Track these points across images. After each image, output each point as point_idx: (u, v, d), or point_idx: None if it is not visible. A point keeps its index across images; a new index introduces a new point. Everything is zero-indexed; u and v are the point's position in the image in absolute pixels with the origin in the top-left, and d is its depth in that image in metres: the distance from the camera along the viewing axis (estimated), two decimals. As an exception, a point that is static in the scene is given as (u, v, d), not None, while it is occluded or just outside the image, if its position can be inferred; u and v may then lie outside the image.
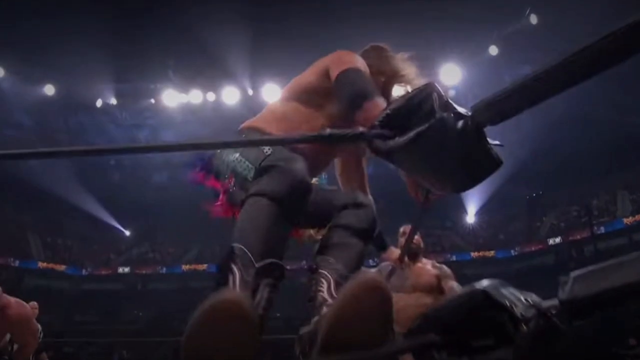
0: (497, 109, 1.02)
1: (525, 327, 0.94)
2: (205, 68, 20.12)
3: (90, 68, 19.34)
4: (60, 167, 22.43)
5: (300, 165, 1.36)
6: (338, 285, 1.28)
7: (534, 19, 18.09)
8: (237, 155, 1.50)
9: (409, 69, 1.81)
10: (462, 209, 23.85)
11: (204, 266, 23.78)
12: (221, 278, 1.17)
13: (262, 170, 1.38)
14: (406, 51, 1.85)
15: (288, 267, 1.29)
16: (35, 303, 5.55)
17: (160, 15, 18.10)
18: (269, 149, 1.44)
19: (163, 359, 13.37)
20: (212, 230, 17.68)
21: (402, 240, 3.35)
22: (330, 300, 1.24)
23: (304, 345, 1.19)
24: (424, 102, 1.18)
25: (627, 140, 18.29)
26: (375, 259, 5.83)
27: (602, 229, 19.55)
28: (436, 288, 3.43)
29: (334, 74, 1.59)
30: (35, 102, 21.85)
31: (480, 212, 24.05)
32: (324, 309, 1.21)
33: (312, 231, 1.69)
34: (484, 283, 1.05)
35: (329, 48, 1.80)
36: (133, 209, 25.09)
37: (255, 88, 20.78)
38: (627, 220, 19.28)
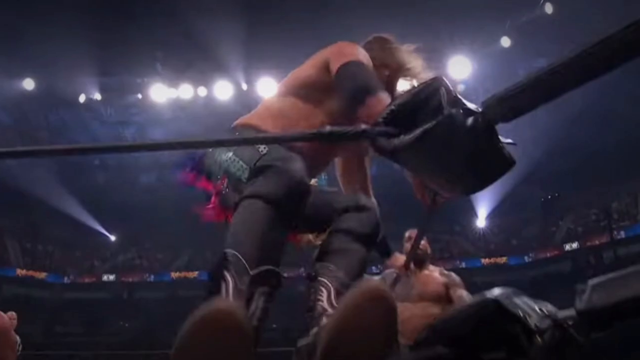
0: (510, 104, 1.03)
1: (539, 339, 0.94)
2: (196, 61, 20.11)
3: (73, 60, 19.29)
4: (41, 167, 22.38)
5: (298, 166, 1.36)
6: (339, 294, 1.28)
7: (549, 8, 18.07)
8: (230, 154, 1.50)
9: (415, 62, 1.81)
10: (472, 213, 23.82)
11: (195, 274, 23.77)
12: (213, 286, 1.17)
13: (257, 171, 1.38)
14: (412, 42, 1.85)
15: (285, 275, 1.29)
16: (14, 313, 5.57)
17: (148, 3, 18.10)
18: (264, 148, 1.44)
19: (151, 374, 13.37)
20: (204, 236, 17.67)
21: (407, 245, 3.36)
22: (330, 310, 1.24)
23: (302, 359, 1.19)
24: (431, 98, 1.18)
25: (649, 138, 18.27)
26: (379, 266, 5.83)
27: (622, 234, 19.55)
28: (444, 297, 3.43)
29: (334, 67, 1.60)
30: (13, 97, 21.80)
31: (491, 216, 24.03)
32: (324, 320, 1.22)
33: (310, 236, 1.69)
34: (496, 292, 1.05)
35: (329, 39, 1.80)
36: (119, 213, 25.04)
37: (249, 82, 20.76)
38: (649, 225, 19.31)
